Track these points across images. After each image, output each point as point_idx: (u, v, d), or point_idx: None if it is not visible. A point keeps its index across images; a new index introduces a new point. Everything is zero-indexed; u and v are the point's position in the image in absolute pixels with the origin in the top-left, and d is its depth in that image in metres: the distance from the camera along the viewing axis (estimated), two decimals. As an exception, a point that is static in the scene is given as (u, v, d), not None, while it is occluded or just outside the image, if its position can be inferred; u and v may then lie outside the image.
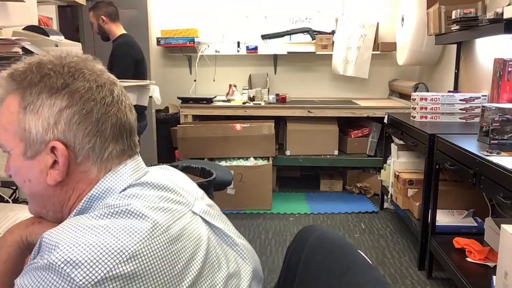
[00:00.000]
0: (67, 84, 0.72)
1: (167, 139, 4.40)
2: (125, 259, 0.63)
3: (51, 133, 0.72)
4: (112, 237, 0.64)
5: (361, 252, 0.88)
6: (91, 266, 0.61)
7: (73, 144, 0.72)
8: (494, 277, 1.84)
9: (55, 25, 2.41)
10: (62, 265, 0.61)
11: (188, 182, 0.91)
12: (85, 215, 0.71)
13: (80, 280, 0.60)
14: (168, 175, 0.86)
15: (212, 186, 2.28)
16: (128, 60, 3.05)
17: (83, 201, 0.75)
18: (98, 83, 0.74)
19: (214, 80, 4.69)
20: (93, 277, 0.60)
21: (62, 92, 0.71)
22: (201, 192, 0.92)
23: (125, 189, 0.75)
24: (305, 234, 0.97)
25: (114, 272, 0.61)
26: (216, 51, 4.58)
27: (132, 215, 0.69)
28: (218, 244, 0.83)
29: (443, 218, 2.74)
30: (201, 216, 0.83)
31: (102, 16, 3.10)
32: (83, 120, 0.72)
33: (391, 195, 3.46)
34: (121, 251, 0.63)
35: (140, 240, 0.66)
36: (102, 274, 0.61)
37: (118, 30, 3.16)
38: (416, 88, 3.92)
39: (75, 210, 0.75)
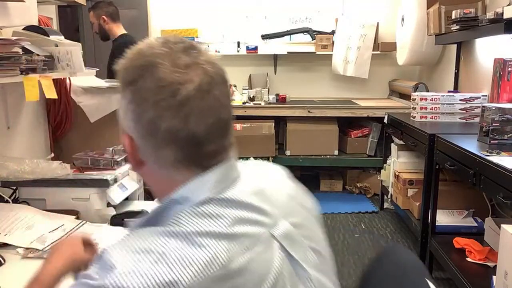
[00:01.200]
0: (134, 81, 0.70)
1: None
2: None
3: (123, 122, 0.74)
4: (166, 268, 0.63)
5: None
6: None
7: (134, 139, 0.73)
8: (494, 277, 1.84)
9: (55, 25, 2.41)
10: None
11: (282, 189, 0.83)
12: (152, 228, 0.69)
13: None
14: (259, 181, 0.79)
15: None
16: None
17: (163, 202, 0.73)
18: (163, 83, 0.68)
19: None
20: None
21: (129, 87, 0.71)
22: (293, 204, 0.82)
23: (203, 202, 0.70)
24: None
25: None
26: (216, 51, 4.57)
27: (194, 243, 0.65)
28: (289, 278, 0.74)
29: (443, 218, 2.74)
30: (279, 242, 0.74)
31: (103, 16, 3.10)
32: (136, 119, 0.70)
33: (391, 195, 3.46)
34: (172, 284, 0.62)
35: (194, 275, 0.63)
36: None
37: (118, 30, 3.16)
38: (416, 88, 3.92)
39: (155, 210, 0.74)
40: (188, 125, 0.68)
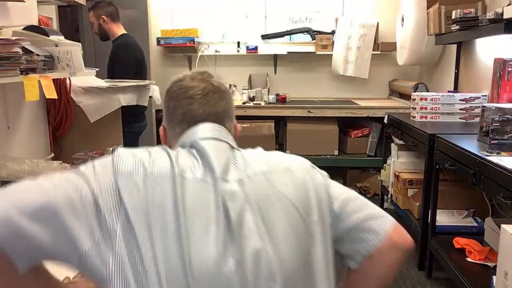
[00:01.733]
0: (169, 88, 1.06)
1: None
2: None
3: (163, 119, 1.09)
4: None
5: None
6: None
7: (164, 125, 1.09)
8: (494, 277, 1.84)
9: (55, 25, 2.41)
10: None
11: (263, 168, 0.94)
12: None
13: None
14: (246, 154, 0.99)
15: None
16: (129, 60, 3.05)
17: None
18: (182, 87, 1.04)
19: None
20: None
21: (166, 94, 1.07)
22: (268, 191, 0.89)
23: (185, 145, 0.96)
24: None
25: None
26: (216, 51, 4.57)
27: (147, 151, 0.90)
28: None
29: (443, 218, 2.74)
30: (223, 197, 0.85)
31: (103, 16, 3.09)
32: (165, 110, 1.06)
33: (391, 195, 3.45)
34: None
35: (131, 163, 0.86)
36: None
37: (118, 30, 3.15)
38: (416, 88, 3.92)
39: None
40: (193, 112, 1.01)
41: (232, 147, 0.99)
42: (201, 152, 0.91)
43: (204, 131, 0.97)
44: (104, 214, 0.79)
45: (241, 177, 0.89)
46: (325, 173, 1.03)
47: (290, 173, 0.96)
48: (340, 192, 1.00)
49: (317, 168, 1.03)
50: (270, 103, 4.17)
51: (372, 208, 1.03)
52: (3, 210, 0.75)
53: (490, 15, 2.46)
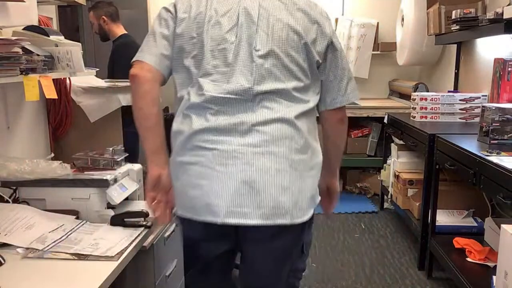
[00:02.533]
0: None
1: (167, 139, 4.38)
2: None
3: None
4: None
5: None
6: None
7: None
8: (494, 277, 1.83)
9: (55, 25, 2.41)
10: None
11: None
12: None
13: None
14: None
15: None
16: (130, 61, 3.04)
17: None
18: None
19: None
20: None
21: None
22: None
23: None
24: None
25: None
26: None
27: None
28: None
29: (443, 218, 2.74)
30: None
31: (103, 16, 3.09)
32: None
33: (391, 195, 3.46)
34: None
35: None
36: None
37: (119, 30, 3.15)
38: (416, 88, 3.92)
39: None
40: None
41: None
42: None
43: None
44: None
45: None
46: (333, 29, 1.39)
47: (305, 12, 1.32)
48: (340, 47, 1.37)
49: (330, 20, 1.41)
50: (270, 103, 4.15)
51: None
52: (151, 53, 1.32)
53: (490, 15, 2.46)
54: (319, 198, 1.35)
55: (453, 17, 2.90)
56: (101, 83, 2.27)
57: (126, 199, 1.68)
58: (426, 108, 3.05)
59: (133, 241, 1.36)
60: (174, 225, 1.73)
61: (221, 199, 1.19)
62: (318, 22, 1.31)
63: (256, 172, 1.19)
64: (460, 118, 3.03)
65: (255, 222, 1.19)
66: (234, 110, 1.22)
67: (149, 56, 1.28)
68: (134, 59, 1.33)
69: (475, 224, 2.70)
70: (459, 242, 2.47)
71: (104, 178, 1.52)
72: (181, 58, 1.28)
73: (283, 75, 1.24)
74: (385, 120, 3.60)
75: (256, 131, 1.21)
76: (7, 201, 1.53)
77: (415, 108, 3.10)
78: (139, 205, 1.67)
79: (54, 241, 1.33)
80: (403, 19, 3.97)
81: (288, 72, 1.25)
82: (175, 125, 1.32)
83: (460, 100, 3.02)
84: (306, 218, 1.25)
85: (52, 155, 2.14)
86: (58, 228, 1.41)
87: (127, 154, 1.75)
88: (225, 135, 1.21)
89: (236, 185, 1.19)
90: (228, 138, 1.21)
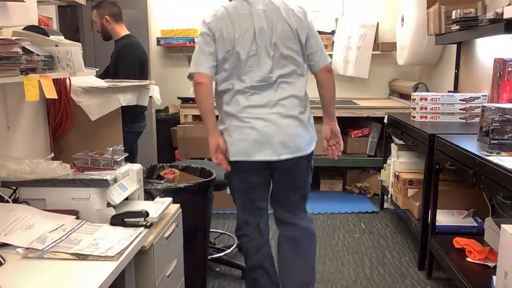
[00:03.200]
0: None
1: (167, 139, 4.39)
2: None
3: None
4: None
5: None
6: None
7: None
8: (494, 277, 1.84)
9: (55, 25, 2.41)
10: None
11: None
12: None
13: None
14: None
15: (212, 186, 2.28)
16: (134, 61, 3.04)
17: None
18: None
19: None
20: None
21: None
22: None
23: None
24: None
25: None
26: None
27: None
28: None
29: (443, 218, 2.74)
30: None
31: (106, 16, 3.08)
32: None
33: (391, 195, 3.46)
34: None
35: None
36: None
37: (121, 30, 3.14)
38: (416, 88, 3.92)
39: None
40: None
41: None
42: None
43: None
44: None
45: (264, 8, 1.93)
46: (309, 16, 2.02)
47: (293, 11, 1.95)
48: (314, 28, 2.04)
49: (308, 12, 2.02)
50: (270, 103, 4.16)
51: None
52: (206, 66, 1.94)
53: (490, 15, 2.46)
54: (316, 137, 2.11)
55: (453, 17, 2.90)
56: (101, 83, 2.27)
57: (126, 199, 1.68)
58: (426, 108, 3.05)
59: (133, 241, 1.36)
60: (174, 225, 1.73)
61: (263, 146, 1.94)
62: (301, 17, 1.96)
63: (282, 128, 1.94)
64: (460, 118, 3.03)
65: (285, 157, 1.96)
66: (263, 92, 1.96)
67: (205, 69, 1.93)
68: (193, 71, 1.94)
69: (475, 224, 2.70)
70: (459, 242, 2.47)
71: (104, 178, 1.52)
72: (222, 64, 1.95)
73: (288, 61, 1.96)
74: (385, 120, 3.60)
75: (279, 104, 1.95)
76: (7, 201, 1.53)
77: (415, 108, 3.10)
78: (139, 205, 1.67)
79: (54, 241, 1.33)
80: (403, 19, 3.97)
81: (291, 58, 1.96)
82: (225, 107, 2.01)
83: (460, 100, 3.02)
84: (310, 150, 2.06)
85: (52, 155, 2.14)
86: (58, 228, 1.41)
87: (127, 154, 1.75)
88: (261, 108, 1.95)
89: (271, 137, 1.93)
90: (262, 110, 1.94)
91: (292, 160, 1.98)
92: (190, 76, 1.97)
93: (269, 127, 1.93)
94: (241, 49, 1.90)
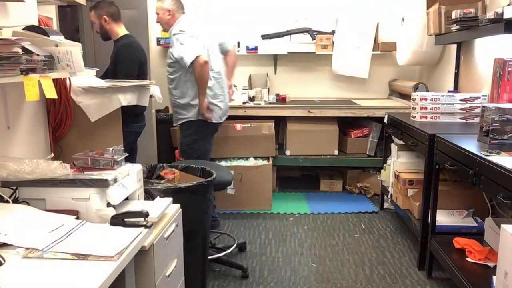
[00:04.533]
0: None
1: (167, 139, 4.39)
2: None
3: None
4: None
5: None
6: None
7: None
8: (494, 277, 1.84)
9: (55, 25, 2.41)
10: None
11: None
12: None
13: None
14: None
15: (212, 186, 2.28)
16: (133, 61, 3.04)
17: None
18: None
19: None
20: None
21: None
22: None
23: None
24: None
25: None
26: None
27: None
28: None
29: (443, 218, 2.74)
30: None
31: (104, 16, 3.08)
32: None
33: (391, 195, 3.46)
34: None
35: None
36: None
37: (120, 30, 3.14)
38: (416, 88, 3.92)
39: None
40: None
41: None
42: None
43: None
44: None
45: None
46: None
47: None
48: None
49: None
50: (270, 103, 4.17)
51: None
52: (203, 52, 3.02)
53: (490, 15, 2.46)
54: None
55: (453, 17, 2.90)
56: (101, 83, 2.27)
57: (126, 199, 1.68)
58: (426, 108, 3.05)
59: (133, 241, 1.36)
60: (174, 225, 1.73)
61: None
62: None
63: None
64: (460, 118, 3.03)
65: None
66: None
67: (204, 52, 2.94)
68: (198, 54, 2.88)
69: (475, 224, 2.71)
70: (459, 242, 2.47)
71: (104, 178, 1.52)
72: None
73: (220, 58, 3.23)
74: (385, 120, 3.60)
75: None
76: (7, 201, 1.53)
77: (415, 108, 3.10)
78: (139, 205, 1.67)
79: (54, 241, 1.33)
80: (403, 19, 3.97)
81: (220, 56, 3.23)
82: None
83: (460, 100, 3.02)
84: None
85: (52, 155, 2.14)
86: (58, 228, 1.41)
87: (127, 154, 1.75)
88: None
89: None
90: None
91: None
92: (192, 62, 2.83)
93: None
94: (206, 50, 3.08)
